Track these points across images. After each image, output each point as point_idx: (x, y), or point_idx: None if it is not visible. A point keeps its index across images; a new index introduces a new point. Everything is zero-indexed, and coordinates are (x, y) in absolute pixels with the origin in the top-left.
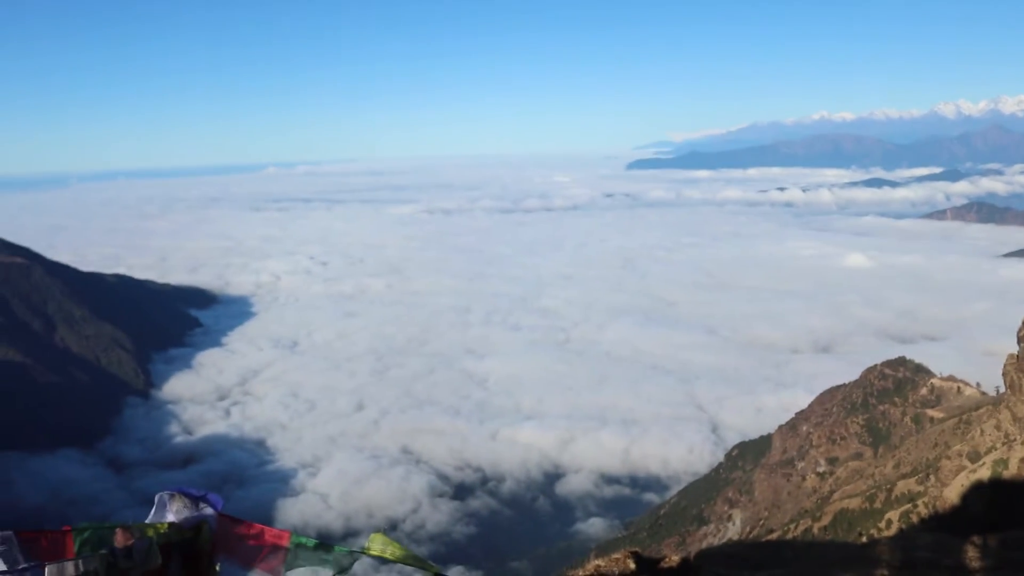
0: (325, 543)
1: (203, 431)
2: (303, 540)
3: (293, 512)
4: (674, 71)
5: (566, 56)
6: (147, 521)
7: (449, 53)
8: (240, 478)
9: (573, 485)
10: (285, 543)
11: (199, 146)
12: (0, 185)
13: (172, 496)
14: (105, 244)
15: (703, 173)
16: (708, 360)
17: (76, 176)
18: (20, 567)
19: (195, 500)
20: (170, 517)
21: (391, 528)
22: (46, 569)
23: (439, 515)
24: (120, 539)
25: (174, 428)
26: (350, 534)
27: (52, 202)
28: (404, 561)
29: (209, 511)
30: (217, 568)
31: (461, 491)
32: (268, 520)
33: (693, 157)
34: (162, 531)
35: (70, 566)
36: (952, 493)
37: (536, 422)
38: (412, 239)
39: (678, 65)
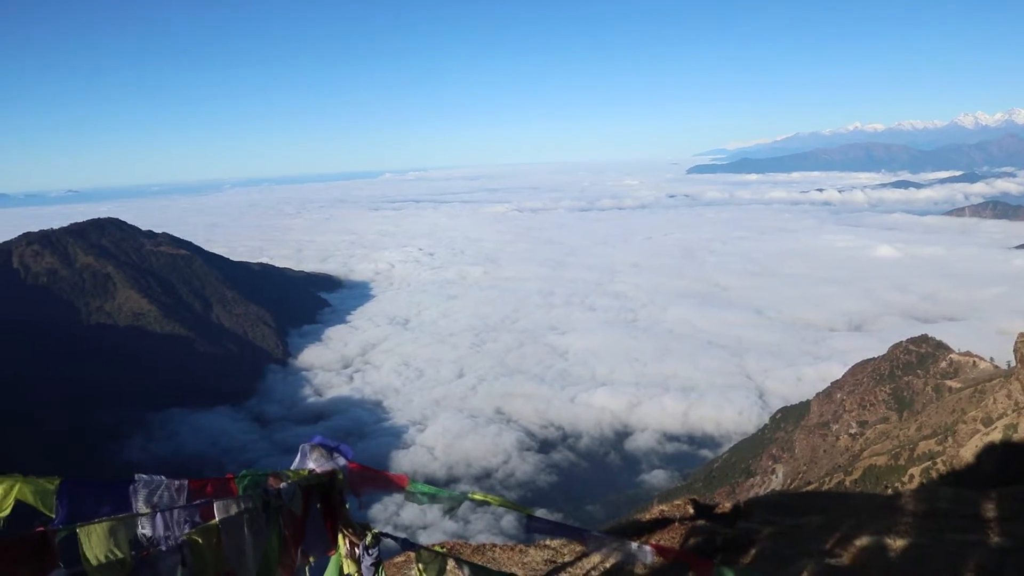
0: (437, 488)
1: (330, 393)
2: (419, 486)
3: (404, 462)
4: (730, 88)
5: (638, 75)
6: (292, 468)
7: (538, 75)
8: (361, 432)
9: (639, 442)
10: (404, 485)
11: (329, 156)
12: (169, 191)
13: (311, 447)
14: (252, 238)
15: (753, 176)
16: (756, 337)
17: (230, 182)
18: (193, 504)
19: (330, 450)
20: (310, 465)
21: (485, 476)
22: (215, 505)
23: (526, 466)
24: (272, 483)
25: (307, 390)
26: (452, 480)
27: (210, 204)
28: (502, 504)
29: (341, 460)
30: (347, 506)
31: (545, 446)
32: (385, 467)
33: (744, 163)
34: (304, 476)
35: (234, 504)
36: (967, 453)
37: (608, 388)
38: (505, 233)
39: (733, 83)
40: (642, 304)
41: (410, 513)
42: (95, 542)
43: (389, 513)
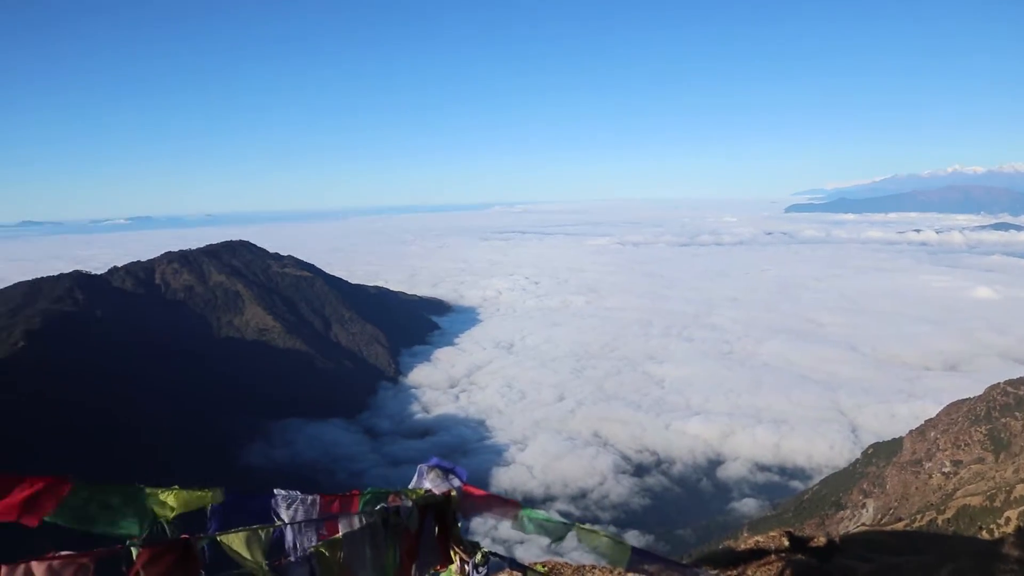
0: (548, 516)
1: (437, 411)
2: (529, 511)
3: (504, 479)
4: (829, 130)
5: (741, 115)
6: (410, 487)
7: (643, 113)
8: (465, 449)
9: (731, 471)
10: (515, 511)
11: (444, 189)
12: (297, 217)
13: (429, 468)
14: (370, 263)
15: (850, 216)
16: (850, 372)
17: (352, 211)
18: (321, 517)
19: (446, 472)
20: (427, 485)
21: (581, 496)
22: (340, 520)
23: (620, 488)
24: (392, 500)
25: (415, 407)
26: (548, 499)
27: (333, 231)
28: (608, 538)
29: (456, 481)
30: (459, 525)
31: (639, 470)
32: (485, 483)
33: (842, 203)
34: (421, 496)
35: (356, 519)
36: None
37: (702, 417)
38: (606, 265)
39: (832, 124)
40: (738, 337)
41: (507, 526)
42: (236, 550)
43: (488, 526)
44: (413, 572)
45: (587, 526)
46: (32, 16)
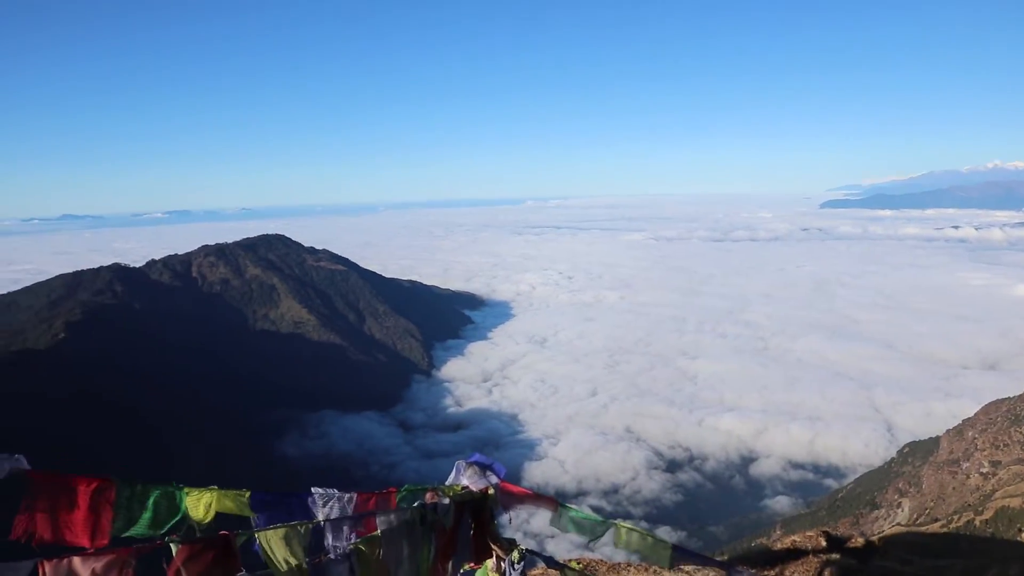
0: (584, 514)
1: (470, 405)
2: (568, 508)
3: (536, 473)
4: (864, 125)
5: (774, 109)
6: (447, 483)
7: (676, 109)
8: (497, 443)
9: (764, 468)
10: (553, 508)
11: (476, 184)
12: (330, 211)
13: (467, 465)
14: (403, 257)
15: (886, 212)
16: (885, 370)
17: (384, 205)
18: (359, 515)
19: (483, 468)
20: (464, 481)
21: (613, 491)
22: (378, 517)
23: (653, 484)
24: (429, 497)
25: (448, 401)
26: (580, 494)
27: (366, 225)
28: (647, 536)
29: (494, 478)
30: (496, 522)
31: (672, 466)
32: (517, 478)
33: (878, 199)
34: (459, 492)
35: (394, 515)
36: None
37: (735, 413)
38: (640, 261)
39: (868, 120)
40: (772, 333)
41: (540, 521)
42: (274, 547)
43: (520, 520)
44: (448, 569)
45: (627, 524)
46: (73, 12)
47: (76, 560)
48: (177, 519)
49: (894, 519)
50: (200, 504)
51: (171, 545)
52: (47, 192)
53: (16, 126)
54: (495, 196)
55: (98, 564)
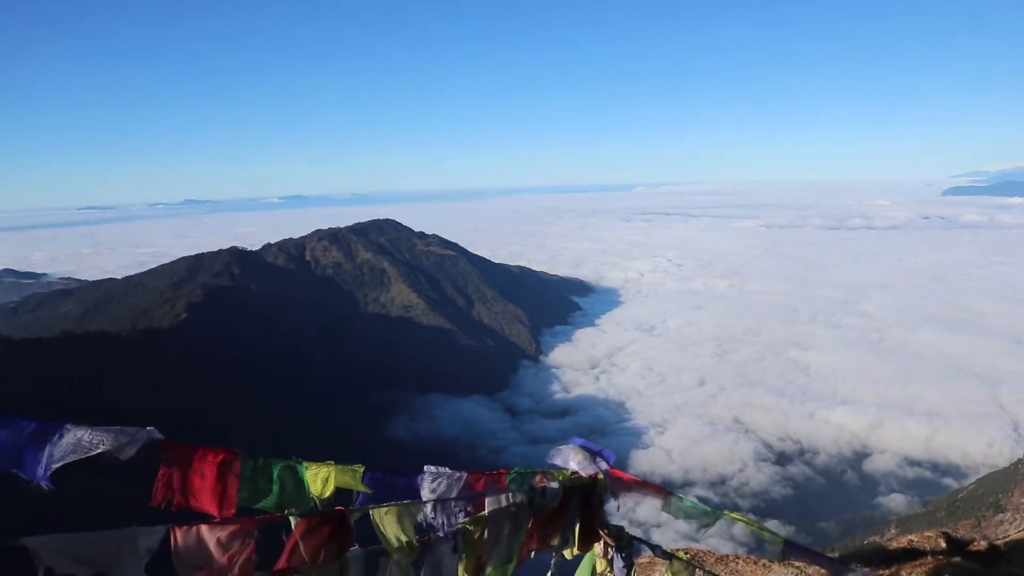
0: (695, 502)
1: (577, 391)
2: (678, 497)
3: (643, 461)
4: (993, 106)
5: (894, 91)
6: (557, 467)
7: (789, 93)
8: (603, 430)
9: (878, 464)
10: (662, 497)
11: (585, 169)
12: (440, 196)
13: (575, 449)
14: (512, 243)
15: (1016, 200)
16: (1012, 366)
17: (493, 191)
18: (470, 495)
19: (593, 454)
20: (573, 466)
21: (720, 482)
22: (487, 498)
23: (761, 476)
24: (539, 481)
25: (555, 387)
26: (687, 484)
27: (475, 210)
28: (758, 528)
29: (603, 464)
30: (605, 509)
31: (781, 458)
32: (623, 466)
33: (1007, 185)
34: (568, 477)
35: (504, 497)
36: None
37: (848, 407)
38: (751, 248)
39: (996, 100)
40: (889, 325)
41: (646, 510)
42: (387, 524)
43: (626, 508)
44: (529, 554)
45: (737, 514)
46: (202, 3)
47: (204, 528)
48: (296, 494)
49: (1020, 524)
50: (318, 478)
51: (290, 518)
52: (171, 178)
53: (143, 117)
54: (604, 182)
55: (223, 533)
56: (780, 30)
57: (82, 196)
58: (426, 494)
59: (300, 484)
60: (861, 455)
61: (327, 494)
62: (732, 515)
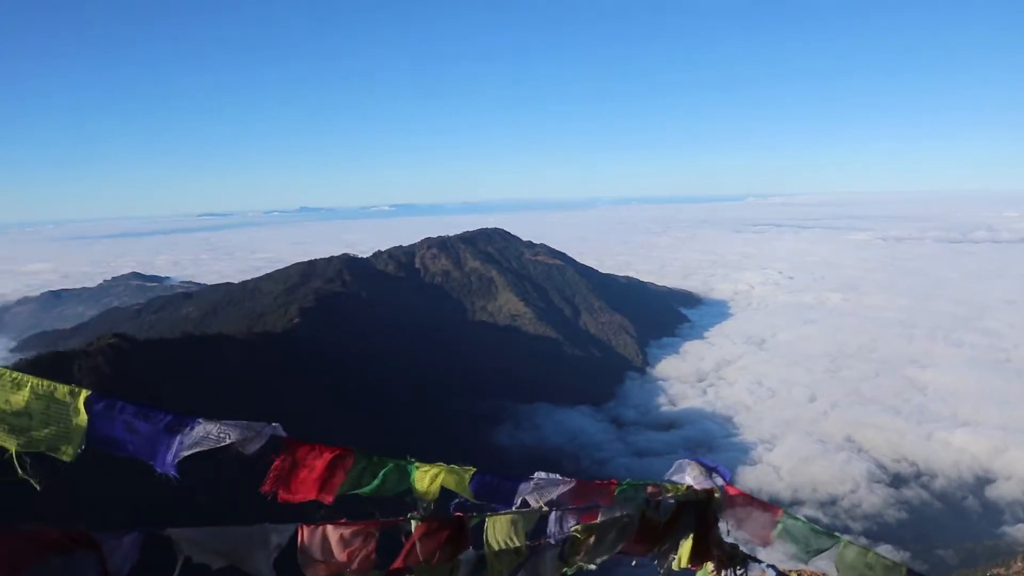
0: (812, 525)
1: (683, 404)
2: (795, 518)
3: (750, 478)
4: None
5: (1020, 96)
6: (670, 481)
7: (906, 97)
8: (710, 444)
9: (1003, 490)
10: (778, 517)
11: (695, 179)
12: (548, 206)
13: (690, 464)
14: (619, 253)
15: None
16: None
17: (601, 201)
18: (585, 506)
19: (708, 470)
20: (688, 480)
21: (830, 503)
22: (600, 508)
23: (874, 498)
24: (651, 493)
25: (661, 399)
26: (795, 503)
27: (583, 220)
28: (878, 561)
29: (720, 481)
30: (719, 526)
31: (896, 480)
32: (730, 481)
33: None
34: (683, 491)
35: (617, 510)
36: None
37: (970, 429)
38: (867, 261)
39: None
40: (1015, 344)
41: (755, 529)
42: (498, 530)
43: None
44: (626, 553)
45: (855, 542)
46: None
47: (329, 528)
48: (401, 488)
49: None
50: (427, 477)
51: (411, 521)
52: (286, 187)
53: (260, 126)
54: (715, 192)
55: (347, 531)
56: (897, 33)
57: (202, 203)
58: (535, 500)
59: (403, 481)
60: (984, 480)
61: (432, 494)
62: (849, 543)
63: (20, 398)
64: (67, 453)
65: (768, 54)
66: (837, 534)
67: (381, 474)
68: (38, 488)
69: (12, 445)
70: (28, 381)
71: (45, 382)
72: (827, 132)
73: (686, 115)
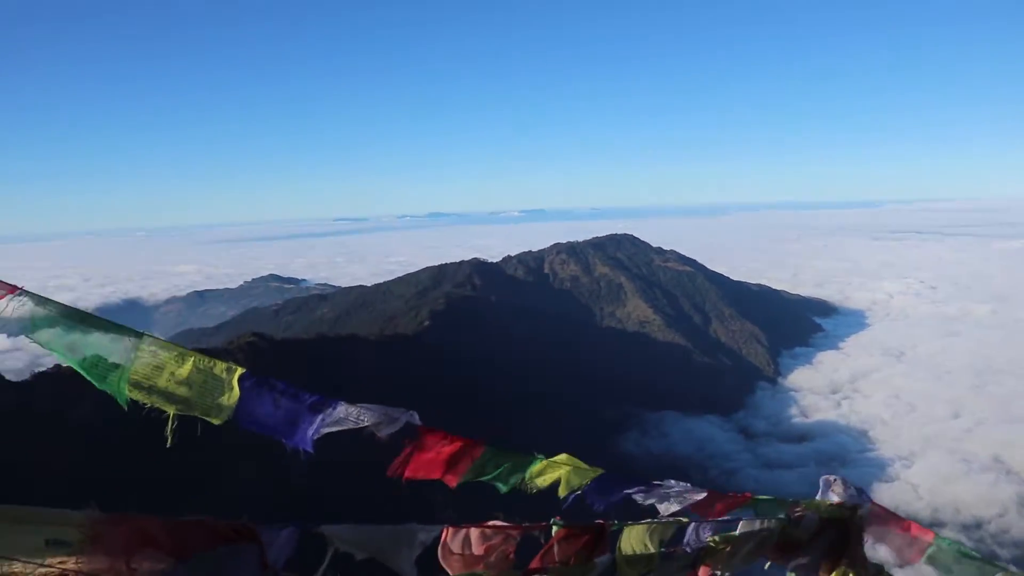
0: (967, 551)
1: (816, 416)
2: (947, 542)
3: (886, 495)
4: None
5: None
6: (816, 498)
7: None
8: (843, 459)
9: None
10: (929, 539)
11: (831, 185)
12: (679, 212)
13: (835, 480)
14: (752, 260)
15: None
16: None
17: (734, 207)
18: (724, 519)
19: (854, 488)
20: (833, 498)
21: (975, 526)
22: (741, 521)
23: None
24: (798, 511)
25: (793, 411)
26: (935, 524)
27: (714, 226)
28: None
29: (866, 498)
30: (863, 545)
31: None
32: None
33: None
34: (826, 508)
35: (757, 523)
36: None
37: None
38: (1017, 271)
39: None
40: None
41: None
42: (634, 537)
43: (870, 543)
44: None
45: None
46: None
47: (473, 529)
48: (516, 480)
49: None
50: (546, 473)
51: (553, 526)
52: (416, 193)
53: (394, 133)
54: (852, 198)
55: (489, 532)
56: None
57: (337, 208)
58: (665, 507)
59: (523, 476)
60: None
61: (544, 485)
62: (1012, 574)
63: (184, 370)
64: (218, 419)
65: (912, 52)
66: (1003, 563)
67: (504, 465)
68: (168, 444)
69: (172, 409)
70: (192, 356)
71: (206, 358)
72: (976, 134)
73: (825, 118)
